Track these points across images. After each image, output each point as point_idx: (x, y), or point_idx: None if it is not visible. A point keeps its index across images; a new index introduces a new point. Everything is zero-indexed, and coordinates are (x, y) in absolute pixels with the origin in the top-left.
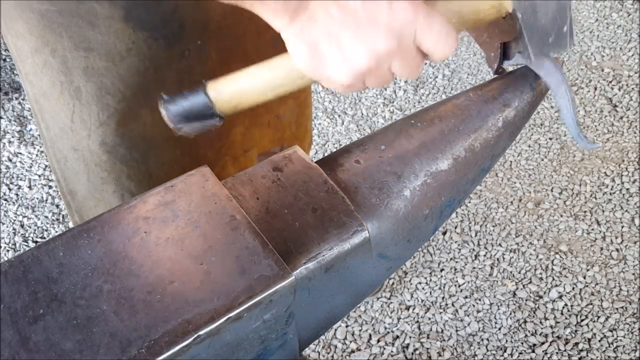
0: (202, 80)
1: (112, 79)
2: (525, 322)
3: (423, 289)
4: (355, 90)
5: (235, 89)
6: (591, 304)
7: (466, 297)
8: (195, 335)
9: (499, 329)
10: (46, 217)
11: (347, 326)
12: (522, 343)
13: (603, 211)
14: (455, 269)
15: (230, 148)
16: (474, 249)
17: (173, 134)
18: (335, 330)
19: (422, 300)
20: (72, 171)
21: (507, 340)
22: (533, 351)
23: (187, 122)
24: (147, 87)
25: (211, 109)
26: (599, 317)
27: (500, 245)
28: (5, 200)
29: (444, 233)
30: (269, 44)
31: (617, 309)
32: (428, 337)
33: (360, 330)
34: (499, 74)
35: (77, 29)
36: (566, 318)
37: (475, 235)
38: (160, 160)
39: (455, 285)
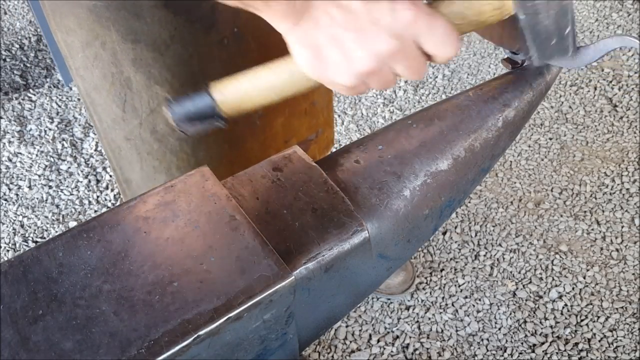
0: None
1: (159, 69)
2: (525, 322)
3: (423, 289)
4: (358, 92)
5: (239, 91)
6: (591, 304)
7: (466, 297)
8: (195, 335)
9: (499, 329)
10: (46, 217)
11: (347, 326)
12: (522, 343)
13: (603, 211)
14: (455, 269)
15: (274, 140)
16: (474, 249)
17: (223, 130)
18: (336, 330)
19: (422, 300)
20: (126, 160)
21: (507, 340)
22: (533, 351)
23: (191, 123)
24: (194, 78)
25: (215, 111)
26: (599, 317)
27: (500, 245)
28: (5, 200)
29: (444, 233)
30: None
31: (617, 309)
32: (428, 337)
33: (360, 330)
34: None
35: (124, 21)
36: (566, 318)
37: (475, 235)
38: (209, 154)
39: (455, 285)
